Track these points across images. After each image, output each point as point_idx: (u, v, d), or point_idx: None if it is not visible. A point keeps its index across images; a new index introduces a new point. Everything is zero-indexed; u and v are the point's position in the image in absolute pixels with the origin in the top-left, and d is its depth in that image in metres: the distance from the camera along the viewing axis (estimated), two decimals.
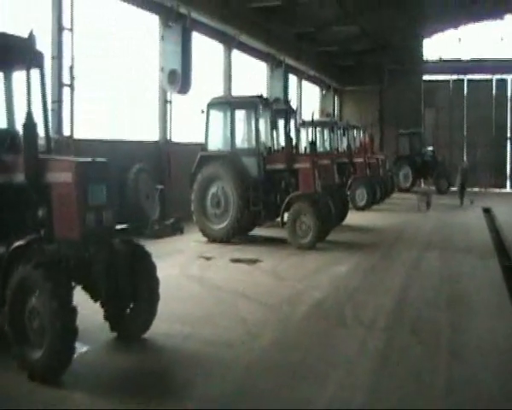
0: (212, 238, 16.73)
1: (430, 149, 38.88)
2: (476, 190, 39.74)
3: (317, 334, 8.60)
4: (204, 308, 9.96)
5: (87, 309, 7.88)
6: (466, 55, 42.14)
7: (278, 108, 18.99)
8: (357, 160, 26.86)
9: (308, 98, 39.17)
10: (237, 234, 17.02)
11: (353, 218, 21.76)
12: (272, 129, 17.71)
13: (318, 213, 15.77)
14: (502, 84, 42.28)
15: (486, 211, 26.90)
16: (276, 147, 18.26)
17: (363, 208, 25.71)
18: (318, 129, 27.45)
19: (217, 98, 17.47)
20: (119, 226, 8.41)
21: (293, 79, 35.21)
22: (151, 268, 8.37)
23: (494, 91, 42.42)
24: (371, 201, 26.26)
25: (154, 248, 15.63)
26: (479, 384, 6.85)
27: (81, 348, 7.76)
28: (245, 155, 16.83)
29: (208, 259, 14.36)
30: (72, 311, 6.72)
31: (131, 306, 8.23)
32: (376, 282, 12.10)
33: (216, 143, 17.25)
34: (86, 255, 7.32)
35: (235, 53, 26.83)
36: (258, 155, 16.73)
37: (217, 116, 17.41)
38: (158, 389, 6.64)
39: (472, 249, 16.29)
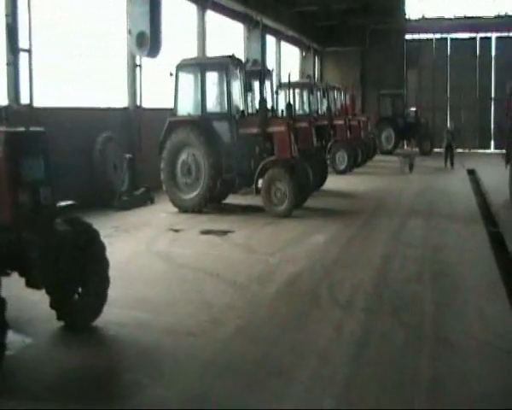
0: (183, 209, 15.84)
1: (413, 110, 37.98)
2: (460, 151, 38.95)
3: (287, 318, 7.72)
4: (166, 290, 9.09)
5: (36, 295, 7.23)
6: (449, 12, 41.00)
7: (252, 69, 17.99)
8: (338, 122, 25.86)
9: (288, 60, 37.95)
10: (210, 203, 16.15)
11: (333, 182, 20.98)
12: (246, 91, 16.66)
13: (294, 180, 14.91)
14: (486, 42, 41.18)
15: (471, 173, 26.16)
16: (250, 110, 17.32)
17: (343, 172, 24.88)
18: (297, 91, 26.35)
19: (186, 60, 16.41)
20: (64, 203, 7.32)
21: (271, 40, 34.06)
22: (99, 249, 7.47)
23: (478, 50, 41.34)
24: (352, 164, 25.41)
25: (122, 220, 15.01)
26: (468, 376, 6.03)
27: (23, 340, 7.00)
28: (216, 120, 15.87)
29: (177, 231, 13.48)
30: (1, 303, 5.83)
31: (79, 291, 7.35)
32: (355, 254, 11.23)
33: (186, 108, 16.24)
34: (19, 239, 6.42)
35: (210, 14, 25.64)
36: (230, 120, 15.77)
37: (186, 79, 16.42)
38: (101, 391, 5.77)
39: (457, 215, 15.54)
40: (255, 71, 17.03)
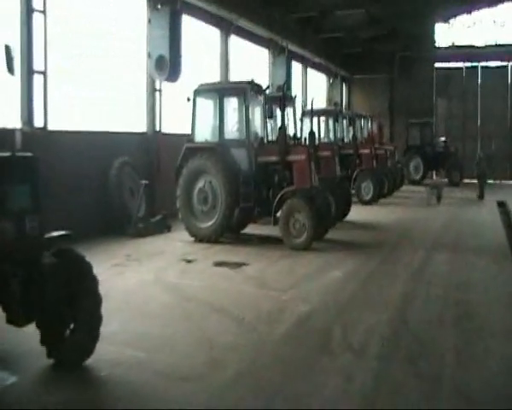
0: (199, 237, 15.30)
1: (442, 139, 37.21)
2: (491, 182, 38.07)
3: (293, 364, 7.08)
4: (167, 326, 8.52)
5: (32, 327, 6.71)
6: (480, 40, 40.26)
7: (273, 95, 17.49)
8: (364, 151, 25.24)
9: (315, 87, 37.46)
10: (227, 232, 15.62)
11: (357, 213, 20.32)
12: (266, 118, 16.17)
13: (314, 211, 14.28)
14: None
15: (501, 205, 25.28)
16: (271, 138, 16.82)
17: (369, 203, 24.17)
18: (322, 119, 25.94)
19: (204, 85, 15.91)
20: (56, 233, 6.82)
21: (298, 66, 33.65)
22: (91, 284, 6.93)
23: (510, 78, 40.44)
24: (378, 194, 24.69)
25: (135, 248, 14.49)
26: None
27: (8, 378, 6.53)
28: (234, 147, 15.34)
29: (189, 262, 12.93)
30: None
31: (71, 328, 6.84)
32: (374, 292, 10.53)
33: (203, 134, 15.78)
34: (1, 271, 5.95)
35: (235, 39, 25.29)
36: (248, 147, 15.23)
37: (204, 104, 15.95)
38: None
39: (485, 250, 14.77)
40: (277, 97, 16.44)
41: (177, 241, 15.44)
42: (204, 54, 23.25)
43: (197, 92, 15.76)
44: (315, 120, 24.96)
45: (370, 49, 39.58)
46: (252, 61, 27.69)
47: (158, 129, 19.35)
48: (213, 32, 23.88)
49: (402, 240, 16.22)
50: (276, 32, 28.11)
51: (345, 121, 26.88)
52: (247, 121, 15.23)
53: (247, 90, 15.18)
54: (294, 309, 9.31)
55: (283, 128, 15.14)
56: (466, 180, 33.72)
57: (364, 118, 30.18)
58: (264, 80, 25.82)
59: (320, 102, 35.73)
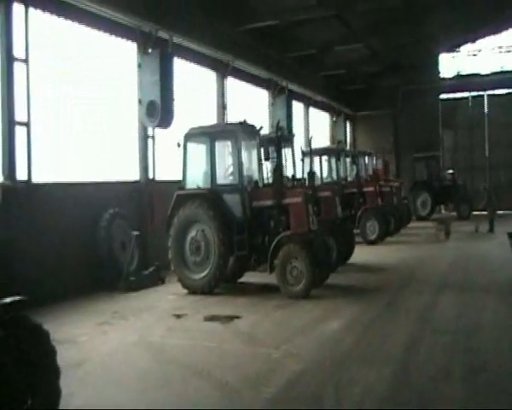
0: (193, 289, 14.54)
1: (450, 172, 36.41)
2: (501, 212, 37.12)
3: None
4: (141, 396, 7.73)
5: None
6: (485, 68, 39.60)
7: (268, 136, 16.83)
8: (367, 189, 24.48)
9: (318, 126, 36.88)
10: (222, 282, 14.85)
11: (362, 254, 19.48)
12: (260, 160, 15.46)
13: (312, 256, 13.48)
14: None
15: None
16: (267, 181, 16.10)
17: (374, 242, 23.32)
18: (325, 158, 25.20)
19: (194, 129, 15.25)
20: (8, 299, 6.09)
21: (299, 106, 33.08)
22: (48, 355, 6.17)
23: None
24: (384, 233, 23.83)
25: (124, 304, 13.68)
26: None
27: None
28: (227, 193, 14.64)
29: (179, 317, 12.16)
30: None
31: (29, 403, 6.08)
32: (374, 346, 9.66)
33: (195, 181, 15.08)
34: None
35: (232, 80, 24.75)
36: (241, 192, 14.51)
37: (195, 149, 15.31)
38: None
39: (495, 290, 13.93)
40: (273, 138, 15.72)
41: (170, 294, 14.68)
42: (200, 97, 22.68)
43: (187, 137, 15.13)
44: (316, 159, 24.37)
45: (373, 84, 39.14)
46: (251, 103, 27.09)
47: (151, 177, 18.62)
48: (209, 74, 23.30)
49: (407, 282, 15.39)
50: (274, 72, 27.65)
51: (348, 159, 26.18)
52: (239, 165, 14.53)
53: (238, 132, 14.51)
54: (285, 369, 8.49)
55: (278, 170, 14.42)
56: (475, 213, 32.71)
57: (368, 155, 29.45)
58: (264, 122, 25.34)
59: (324, 142, 35.20)
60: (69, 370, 8.77)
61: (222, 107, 23.57)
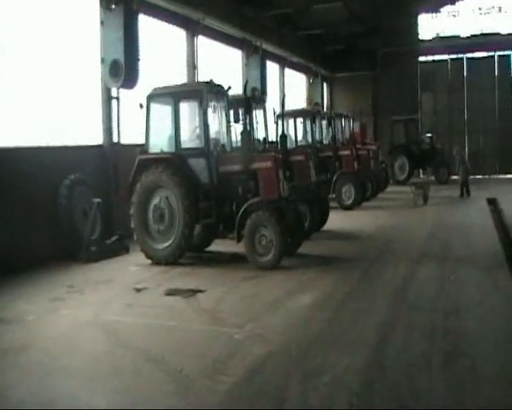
0: (156, 260, 13.68)
1: (428, 136, 35.59)
2: (480, 177, 36.70)
3: None
4: (88, 387, 6.88)
5: None
6: (465, 31, 38.66)
7: (238, 97, 15.84)
8: (344, 152, 23.61)
9: (295, 88, 35.85)
10: (189, 251, 14.00)
11: (337, 220, 18.75)
12: (229, 122, 14.55)
13: (282, 224, 12.67)
14: (505, 61, 38.70)
15: (491, 202, 23.79)
16: (236, 145, 15.20)
17: (350, 207, 22.56)
18: (300, 120, 24.23)
19: (158, 89, 14.23)
20: None
21: (274, 67, 32.01)
22: None
23: (496, 70, 38.87)
24: (360, 198, 23.07)
25: (81, 276, 12.63)
26: None
27: None
28: (193, 157, 13.71)
29: (139, 291, 11.32)
30: None
31: None
32: (346, 324, 8.83)
33: (158, 144, 14.11)
34: None
35: (204, 40, 23.62)
36: (207, 156, 13.58)
37: (159, 111, 14.29)
38: None
39: (476, 258, 13.22)
40: (239, 99, 14.77)
41: (133, 265, 13.83)
42: (170, 57, 21.59)
43: (151, 97, 14.13)
44: (291, 121, 23.47)
45: (351, 46, 38.14)
46: (224, 63, 25.98)
47: (116, 140, 17.56)
48: (179, 33, 22.18)
49: (384, 251, 14.61)
50: (248, 31, 26.49)
51: (324, 122, 25.25)
52: (205, 127, 13.58)
53: (203, 92, 13.51)
54: (247, 353, 7.65)
55: (246, 132, 13.50)
56: (454, 177, 32.00)
57: (345, 117, 28.49)
58: (237, 83, 24.34)
59: (300, 104, 34.21)
60: (10, 355, 8.01)
61: (192, 67, 22.47)
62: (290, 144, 22.37)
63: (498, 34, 37.77)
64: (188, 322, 9.17)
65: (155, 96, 14.13)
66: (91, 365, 7.66)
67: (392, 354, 7.57)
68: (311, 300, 10.15)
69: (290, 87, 34.55)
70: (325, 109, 36.16)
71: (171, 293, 10.98)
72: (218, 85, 14.34)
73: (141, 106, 14.04)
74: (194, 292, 10.89)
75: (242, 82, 26.38)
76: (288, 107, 29.61)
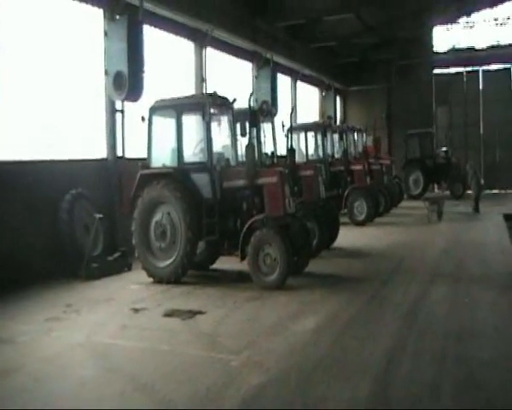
0: (158, 278, 13.19)
1: (443, 150, 34.96)
2: (496, 192, 36.02)
3: None
4: None
5: None
6: (480, 43, 38.03)
7: (245, 110, 15.32)
8: (355, 167, 23.05)
9: (308, 101, 35.38)
10: (193, 270, 13.56)
11: (348, 237, 18.20)
12: (234, 136, 14.07)
13: (287, 242, 12.13)
14: None
15: (508, 218, 23.11)
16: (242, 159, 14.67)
17: (362, 223, 21.97)
18: (311, 134, 23.73)
19: (160, 101, 13.79)
20: None
21: (286, 80, 31.53)
22: None
23: None
24: (372, 213, 22.48)
25: (81, 295, 12.12)
26: None
27: None
28: (195, 172, 13.23)
29: (137, 311, 10.82)
30: None
31: None
32: (351, 351, 8.28)
33: (161, 158, 13.66)
34: None
35: (213, 52, 23.21)
36: (210, 171, 13.09)
37: (161, 124, 13.83)
38: None
39: (491, 278, 12.68)
40: (243, 111, 14.25)
41: (134, 283, 13.32)
42: (178, 69, 21.18)
43: (153, 110, 13.70)
44: (302, 135, 23.03)
45: (365, 58, 37.58)
46: (234, 76, 25.54)
47: (120, 154, 17.12)
48: (187, 45, 21.78)
49: (395, 270, 14.03)
50: (259, 43, 26.01)
51: (336, 136, 24.74)
52: (208, 141, 13.10)
53: (206, 104, 13.02)
54: (243, 382, 7.13)
55: (251, 146, 12.95)
56: (469, 192, 31.33)
57: (358, 131, 27.92)
58: (215, 90, 23.85)
59: (313, 117, 33.72)
60: None
61: (201, 80, 22.03)
62: (301, 158, 21.96)
63: None
64: (183, 346, 8.65)
65: (157, 108, 13.68)
66: (77, 391, 7.17)
67: (399, 384, 7.02)
68: (316, 323, 9.60)
69: (303, 101, 34.11)
70: (338, 123, 35.59)
71: (169, 314, 10.48)
72: (223, 98, 13.86)
73: (143, 119, 13.61)
74: (193, 314, 10.37)
75: (253, 95, 26.00)
76: (301, 120, 29.37)
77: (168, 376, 7.47)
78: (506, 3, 36.99)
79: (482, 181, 26.52)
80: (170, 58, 20.66)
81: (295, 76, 32.44)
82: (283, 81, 30.42)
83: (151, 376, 7.43)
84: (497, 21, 37.61)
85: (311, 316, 10.03)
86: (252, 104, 15.00)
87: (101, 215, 14.77)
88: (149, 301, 11.60)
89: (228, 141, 14.13)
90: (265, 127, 17.16)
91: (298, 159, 21.35)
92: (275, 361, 7.83)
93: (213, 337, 9.04)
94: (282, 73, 29.77)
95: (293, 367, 7.59)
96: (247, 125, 13.84)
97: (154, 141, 13.67)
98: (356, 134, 27.49)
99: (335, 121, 34.56)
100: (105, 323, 10.17)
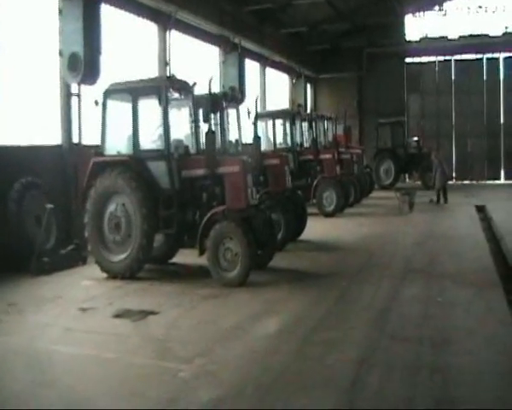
0: (112, 274, 12.29)
1: (415, 139, 34.41)
2: (467, 182, 35.64)
3: None
4: None
5: None
6: (453, 32, 37.47)
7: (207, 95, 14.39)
8: (325, 156, 22.23)
9: (277, 88, 34.51)
10: (150, 264, 12.69)
11: (317, 228, 17.46)
12: (195, 122, 13.18)
13: (250, 235, 11.30)
14: (493, 63, 37.55)
15: (480, 210, 22.62)
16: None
17: (332, 214, 21.21)
18: (279, 122, 22.89)
19: (115, 84, 12.85)
20: None
21: (255, 66, 30.65)
22: None
23: (485, 72, 37.72)
24: (342, 204, 21.72)
25: (27, 292, 11.14)
26: None
27: None
28: (152, 160, 12.32)
29: (85, 311, 9.91)
30: None
31: None
32: (315, 359, 7.42)
33: (116, 145, 12.74)
34: None
35: (178, 35, 22.24)
36: (168, 159, 12.19)
37: (116, 108, 12.90)
38: None
39: (465, 274, 11.96)
40: (201, 96, 13.29)
41: (86, 279, 12.39)
42: (140, 52, 20.19)
43: (107, 93, 12.76)
44: (270, 123, 22.19)
45: (336, 45, 36.99)
46: (201, 62, 24.57)
47: (76, 141, 16.12)
48: (150, 27, 20.79)
49: (365, 266, 13.27)
50: (226, 27, 25.04)
51: (305, 124, 23.94)
52: (165, 127, 12.21)
53: (162, 88, 12.11)
54: (193, 397, 6.30)
55: (211, 133, 12.07)
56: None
57: (328, 119, 27.17)
58: (215, 82, 23.01)
59: (283, 105, 32.85)
60: None
61: (164, 64, 21.06)
62: (268, 147, 21.17)
63: (487, 36, 36.59)
64: (130, 354, 7.78)
65: (112, 92, 12.75)
66: None
67: (368, 399, 6.24)
68: (278, 326, 8.78)
69: (273, 88, 33.26)
70: (309, 111, 34.81)
71: (119, 314, 9.60)
72: (182, 81, 12.97)
73: (96, 103, 12.68)
74: (145, 314, 9.51)
75: (220, 81, 25.12)
76: (272, 108, 28.51)
77: (107, 389, 6.64)
78: None
79: (447, 171, 25.87)
80: (132, 40, 19.67)
81: (264, 62, 31.56)
82: (252, 67, 29.56)
83: (88, 388, 6.62)
84: (470, 10, 37.03)
85: (273, 317, 9.23)
86: (212, 89, 14.00)
87: (52, 206, 13.78)
88: (100, 299, 10.72)
89: (187, 127, 13.20)
90: (230, 114, 16.26)
91: (266, 147, 20.61)
92: (230, 372, 7.00)
93: (164, 342, 8.19)
94: (251, 58, 28.89)
95: (250, 379, 6.76)
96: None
97: (108, 127, 12.74)
98: (326, 122, 26.79)
99: (306, 109, 33.75)
100: (48, 325, 9.28)
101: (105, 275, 12.43)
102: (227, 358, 7.50)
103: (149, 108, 12.63)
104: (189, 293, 10.84)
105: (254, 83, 30.06)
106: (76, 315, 9.76)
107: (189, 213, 12.28)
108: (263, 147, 18.46)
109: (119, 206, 12.20)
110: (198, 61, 24.09)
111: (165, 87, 12.11)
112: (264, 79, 31.86)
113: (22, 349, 8.16)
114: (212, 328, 8.80)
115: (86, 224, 12.56)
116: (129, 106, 12.50)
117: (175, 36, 21.94)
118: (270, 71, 32.71)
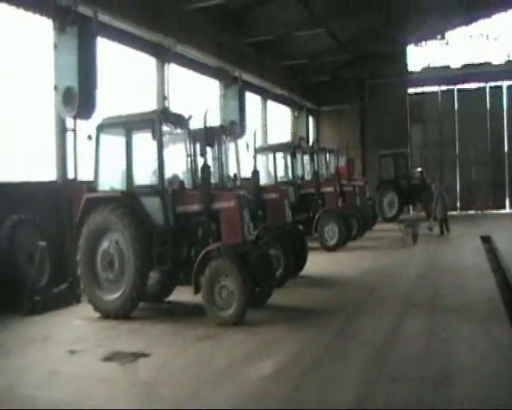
0: (105, 313, 11.92)
1: (418, 170, 34.13)
2: (472, 212, 35.28)
3: None
4: None
5: None
6: (455, 62, 37.35)
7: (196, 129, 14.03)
8: (326, 189, 21.88)
9: (279, 121, 34.34)
10: (145, 302, 12.36)
11: (318, 263, 17.11)
12: (191, 156, 12.92)
13: (246, 273, 10.93)
14: (496, 91, 37.40)
15: (486, 240, 22.21)
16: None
17: (334, 248, 20.81)
18: (281, 155, 22.66)
19: (109, 118, 12.60)
20: None
21: (256, 99, 30.48)
22: None
23: (488, 101, 37.54)
24: (344, 238, 21.30)
25: (15, 333, 10.80)
26: None
27: None
28: (146, 195, 12.03)
29: (73, 353, 9.54)
30: None
31: None
32: (310, 402, 7.04)
33: (109, 181, 12.46)
34: None
35: (177, 68, 22.10)
36: (162, 194, 11.89)
37: (110, 143, 12.62)
38: None
39: (470, 308, 11.59)
40: (197, 130, 13.00)
41: (79, 318, 12.04)
42: (138, 86, 20.00)
43: (100, 128, 12.51)
44: (270, 156, 21.95)
45: (338, 77, 36.88)
46: (201, 95, 24.35)
47: (72, 176, 15.85)
48: (149, 60, 20.64)
49: (366, 301, 12.89)
50: (226, 60, 24.93)
51: (306, 157, 23.68)
52: (159, 162, 11.92)
53: (157, 122, 11.83)
54: None
55: (206, 168, 11.77)
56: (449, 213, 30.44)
57: (330, 152, 26.90)
58: (215, 115, 22.90)
59: (285, 138, 32.64)
60: None
61: (162, 97, 20.87)
62: (269, 181, 20.94)
63: (489, 64, 36.45)
64: (115, 401, 7.40)
65: (105, 126, 12.50)
66: None
67: None
68: (273, 367, 8.38)
69: (275, 121, 33.11)
70: (311, 143, 34.56)
71: (109, 357, 9.21)
72: (177, 114, 12.72)
73: (89, 137, 12.42)
74: (136, 357, 9.12)
75: (220, 114, 24.93)
76: (274, 141, 28.26)
77: None
78: (480, 21, 36.32)
79: (448, 202, 25.58)
80: (131, 74, 19.50)
81: (265, 95, 31.41)
82: (253, 100, 29.42)
83: None
84: (472, 38, 36.94)
85: (269, 358, 8.84)
86: (211, 122, 13.71)
87: (44, 243, 13.47)
88: (90, 340, 10.35)
89: (182, 162, 12.92)
90: (228, 148, 15.99)
91: (267, 181, 20.36)
92: None
93: (153, 387, 7.81)
94: (252, 91, 28.78)
95: None
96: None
97: (101, 162, 12.46)
98: (328, 155, 26.53)
99: (308, 142, 33.51)
100: (34, 368, 8.92)
101: (98, 314, 12.06)
102: (216, 403, 7.11)
103: (143, 142, 12.36)
104: (183, 333, 10.47)
105: (256, 116, 29.87)
106: (63, 358, 9.40)
107: (183, 250, 11.96)
108: (264, 181, 18.24)
109: (113, 243, 11.89)
110: (198, 95, 23.89)
111: (159, 120, 11.82)
112: (266, 112, 31.70)
113: (3, 395, 7.81)
114: (203, 370, 8.41)
115: (79, 261, 12.24)
116: (122, 140, 12.22)
117: (174, 69, 21.78)
118: (271, 104, 32.55)
